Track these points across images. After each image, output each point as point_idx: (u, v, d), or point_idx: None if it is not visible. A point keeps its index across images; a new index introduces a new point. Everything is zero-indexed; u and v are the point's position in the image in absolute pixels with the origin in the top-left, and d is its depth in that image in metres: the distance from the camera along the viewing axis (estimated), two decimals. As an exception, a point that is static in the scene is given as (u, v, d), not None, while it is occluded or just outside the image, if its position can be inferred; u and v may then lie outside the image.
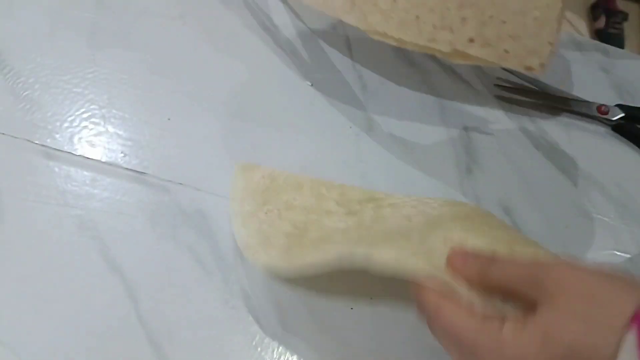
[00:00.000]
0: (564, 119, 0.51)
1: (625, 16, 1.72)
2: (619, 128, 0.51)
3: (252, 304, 0.39)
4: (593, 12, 1.75)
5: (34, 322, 0.37)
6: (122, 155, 0.43)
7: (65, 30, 0.47)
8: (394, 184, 0.46)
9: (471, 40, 0.42)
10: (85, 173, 0.42)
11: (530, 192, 0.47)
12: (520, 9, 0.43)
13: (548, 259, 0.31)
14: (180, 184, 0.43)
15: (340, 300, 0.40)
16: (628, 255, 0.44)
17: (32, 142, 0.42)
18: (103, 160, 0.43)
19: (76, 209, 0.40)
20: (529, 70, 0.42)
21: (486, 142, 0.49)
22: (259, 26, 0.52)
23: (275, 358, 0.38)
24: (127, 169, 0.43)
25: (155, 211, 0.41)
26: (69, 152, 0.42)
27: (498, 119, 0.50)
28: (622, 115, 0.51)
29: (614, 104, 0.51)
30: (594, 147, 0.50)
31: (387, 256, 0.32)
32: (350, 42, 0.53)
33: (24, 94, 0.44)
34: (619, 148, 0.50)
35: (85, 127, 0.44)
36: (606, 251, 0.44)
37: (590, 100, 0.52)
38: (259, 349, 0.38)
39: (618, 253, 0.44)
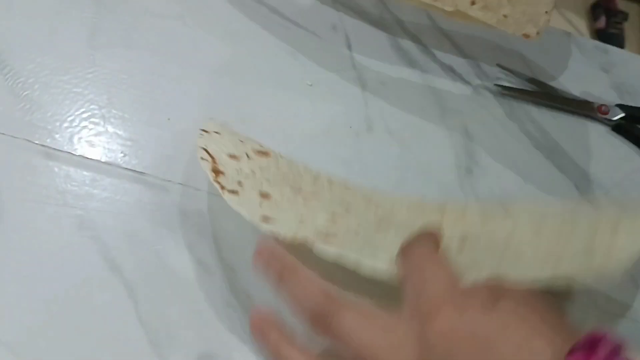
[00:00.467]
0: (564, 119, 0.51)
1: (625, 16, 1.72)
2: (619, 128, 0.51)
3: (252, 304, 0.39)
4: (593, 12, 1.75)
5: (34, 322, 0.37)
6: (122, 155, 0.43)
7: (65, 30, 0.47)
8: (394, 184, 0.46)
9: (473, 3, 0.46)
10: (85, 173, 0.42)
11: (530, 193, 0.47)
12: None
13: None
14: (180, 184, 0.43)
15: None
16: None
17: (32, 142, 0.42)
18: (103, 160, 0.43)
19: (76, 209, 0.40)
20: (526, 37, 0.46)
21: (486, 142, 0.49)
22: (259, 26, 0.52)
23: (275, 358, 0.38)
24: (127, 169, 0.43)
25: (155, 211, 0.41)
26: (68, 152, 0.42)
27: (498, 119, 0.50)
28: (622, 115, 0.51)
29: (614, 104, 0.51)
30: (594, 147, 0.50)
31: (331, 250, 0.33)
32: (350, 42, 0.53)
33: (24, 94, 0.44)
34: (619, 148, 0.50)
35: (85, 127, 0.44)
36: (606, 251, 0.44)
37: (590, 100, 0.52)
38: (259, 349, 0.38)
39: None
